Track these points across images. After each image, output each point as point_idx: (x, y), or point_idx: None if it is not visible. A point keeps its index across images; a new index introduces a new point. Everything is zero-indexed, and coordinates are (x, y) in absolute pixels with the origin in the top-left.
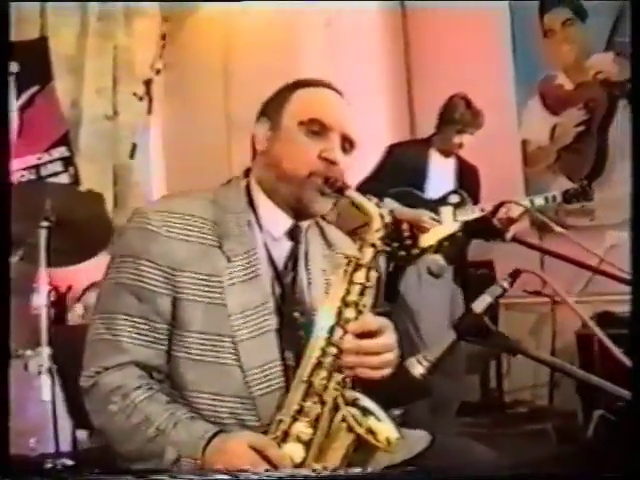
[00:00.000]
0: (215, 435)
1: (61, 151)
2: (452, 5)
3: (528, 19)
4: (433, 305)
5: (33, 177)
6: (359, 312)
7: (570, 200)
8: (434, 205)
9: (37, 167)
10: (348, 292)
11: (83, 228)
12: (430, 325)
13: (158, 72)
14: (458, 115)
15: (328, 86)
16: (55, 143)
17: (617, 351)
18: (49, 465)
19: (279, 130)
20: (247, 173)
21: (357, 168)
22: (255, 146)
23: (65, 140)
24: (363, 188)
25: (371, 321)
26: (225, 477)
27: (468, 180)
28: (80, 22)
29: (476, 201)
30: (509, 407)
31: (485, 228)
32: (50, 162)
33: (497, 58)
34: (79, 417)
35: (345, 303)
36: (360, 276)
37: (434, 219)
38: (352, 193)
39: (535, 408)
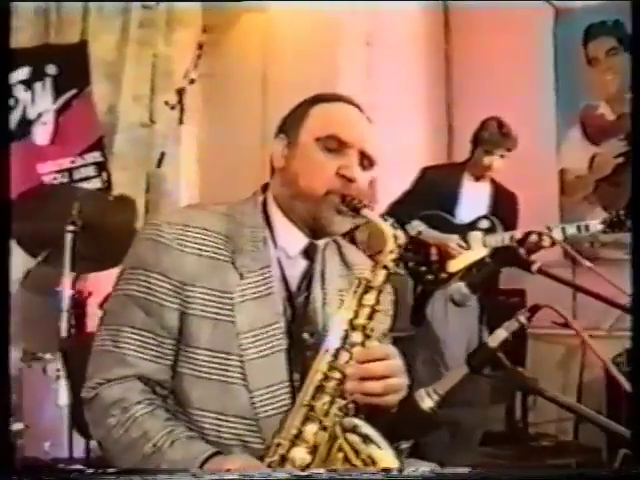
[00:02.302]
0: (211, 457)
1: (95, 156)
2: (496, 30)
3: (572, 46)
4: (459, 333)
5: (65, 180)
6: (366, 336)
7: (604, 230)
8: (464, 230)
9: (70, 170)
10: (356, 315)
11: (110, 235)
12: (455, 353)
13: (192, 82)
14: (487, 135)
15: (348, 101)
16: (89, 148)
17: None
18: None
19: (296, 147)
20: (265, 189)
21: (393, 188)
22: (273, 163)
23: (99, 145)
24: (394, 209)
25: (376, 350)
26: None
27: (504, 206)
28: (121, 28)
29: (512, 228)
30: (533, 440)
31: (511, 258)
32: (83, 166)
33: (539, 84)
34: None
35: (352, 326)
36: (370, 298)
37: (461, 245)
38: (368, 212)
39: (559, 442)
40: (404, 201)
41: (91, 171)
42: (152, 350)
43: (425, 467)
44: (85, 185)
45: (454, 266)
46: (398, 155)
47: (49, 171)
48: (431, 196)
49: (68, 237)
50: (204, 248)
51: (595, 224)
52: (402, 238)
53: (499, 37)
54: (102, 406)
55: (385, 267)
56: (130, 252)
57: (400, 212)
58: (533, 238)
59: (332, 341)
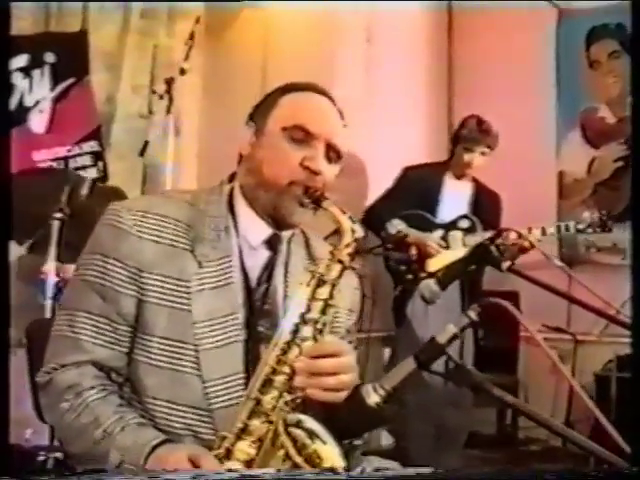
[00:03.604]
0: (161, 444)
1: (92, 145)
2: (499, 30)
3: (575, 49)
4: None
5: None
6: (318, 331)
7: (584, 230)
8: (444, 229)
9: (66, 159)
10: (308, 309)
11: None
12: None
13: (183, 72)
14: (467, 132)
15: (320, 91)
16: (86, 137)
17: (616, 434)
18: (41, 458)
19: (263, 135)
20: (232, 178)
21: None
22: (240, 150)
23: (97, 135)
24: (375, 207)
25: (326, 345)
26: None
27: (486, 206)
28: (122, 19)
29: (495, 228)
30: (522, 444)
31: (482, 256)
32: (79, 155)
33: (541, 86)
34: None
35: (304, 320)
36: (323, 292)
37: (440, 244)
38: (329, 205)
39: (548, 447)
40: (385, 199)
41: (87, 160)
42: (107, 336)
43: (371, 466)
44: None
45: (433, 265)
46: (397, 154)
47: (45, 159)
48: (412, 195)
49: (55, 224)
50: (163, 235)
51: (575, 224)
52: (359, 232)
53: (501, 38)
54: (56, 391)
55: (340, 261)
56: (91, 237)
57: (381, 211)
58: (513, 237)
59: (282, 334)
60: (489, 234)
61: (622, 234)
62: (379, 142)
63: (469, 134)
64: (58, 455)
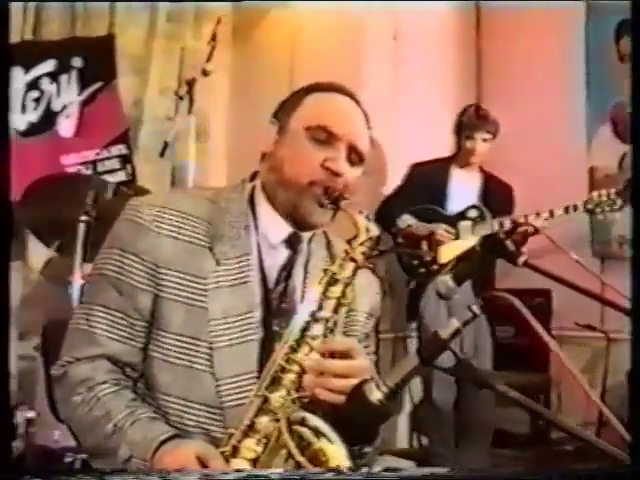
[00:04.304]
0: (169, 439)
1: (120, 148)
2: (528, 26)
3: (604, 43)
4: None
5: (90, 172)
6: (329, 330)
7: (593, 210)
8: (453, 220)
9: (94, 163)
10: (320, 307)
11: None
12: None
13: (205, 73)
14: (466, 120)
15: (345, 92)
16: (114, 140)
17: (624, 431)
18: (69, 459)
19: (286, 133)
20: (254, 177)
21: None
22: (262, 149)
23: (125, 138)
24: (385, 206)
25: (337, 343)
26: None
27: (496, 197)
28: (149, 22)
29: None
30: (556, 444)
31: (496, 248)
32: (108, 159)
33: (570, 81)
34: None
35: (315, 318)
36: (335, 291)
37: (448, 231)
38: (347, 205)
39: (580, 447)
40: (395, 197)
41: (116, 164)
42: (122, 331)
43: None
44: (109, 178)
45: (445, 256)
46: (424, 152)
47: (73, 163)
48: (421, 190)
49: (81, 227)
50: (182, 232)
51: (583, 204)
52: (374, 231)
53: (530, 34)
54: (69, 384)
55: (353, 259)
56: (110, 232)
57: (391, 207)
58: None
59: (293, 332)
60: (497, 222)
61: None
62: (407, 140)
63: (468, 121)
64: (85, 456)
